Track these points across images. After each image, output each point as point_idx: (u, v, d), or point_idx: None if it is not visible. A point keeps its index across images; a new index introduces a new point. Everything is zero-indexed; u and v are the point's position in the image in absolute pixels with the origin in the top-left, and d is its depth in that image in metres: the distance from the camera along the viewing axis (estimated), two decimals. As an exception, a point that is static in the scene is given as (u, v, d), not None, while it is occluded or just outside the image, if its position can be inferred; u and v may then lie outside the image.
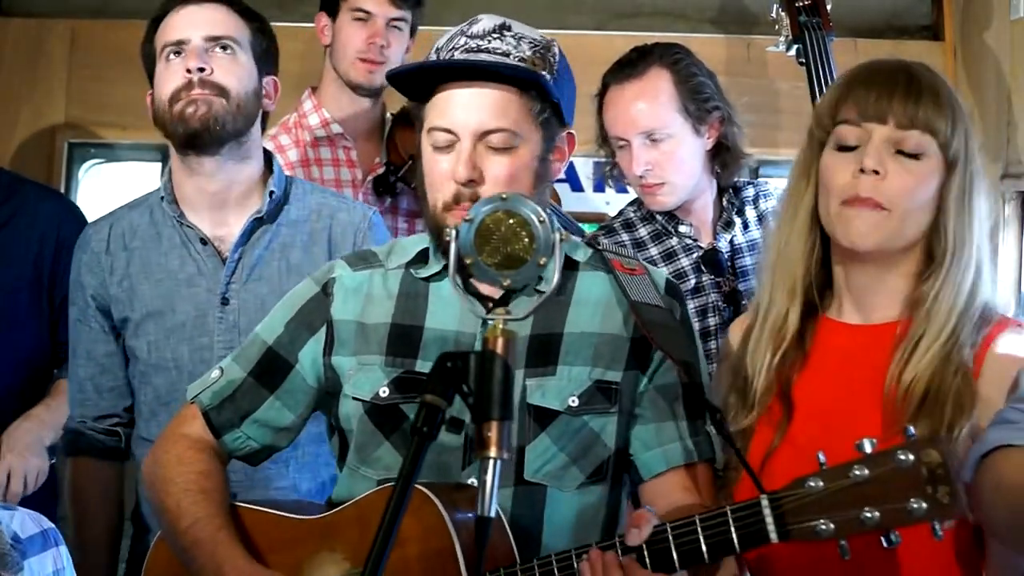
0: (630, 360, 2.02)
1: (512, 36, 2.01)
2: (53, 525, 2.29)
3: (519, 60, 1.98)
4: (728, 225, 2.90)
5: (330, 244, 2.62)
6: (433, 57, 2.02)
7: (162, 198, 2.61)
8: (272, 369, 2.08)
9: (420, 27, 3.34)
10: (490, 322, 1.97)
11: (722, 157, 2.88)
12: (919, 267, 2.02)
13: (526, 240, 1.75)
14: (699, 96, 2.81)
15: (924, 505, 1.61)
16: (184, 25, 2.56)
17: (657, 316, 2.00)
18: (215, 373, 2.11)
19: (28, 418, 2.84)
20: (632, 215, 2.93)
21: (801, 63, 3.16)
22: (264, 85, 2.62)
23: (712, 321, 2.81)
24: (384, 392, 2.01)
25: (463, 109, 1.96)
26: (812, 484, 1.67)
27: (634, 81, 2.81)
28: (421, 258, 2.07)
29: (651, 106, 2.78)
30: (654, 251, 2.86)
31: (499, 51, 1.98)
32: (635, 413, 2.03)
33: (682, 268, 2.84)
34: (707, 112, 2.82)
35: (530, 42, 2.02)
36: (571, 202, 3.77)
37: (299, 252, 2.60)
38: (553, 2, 3.98)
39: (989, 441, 1.82)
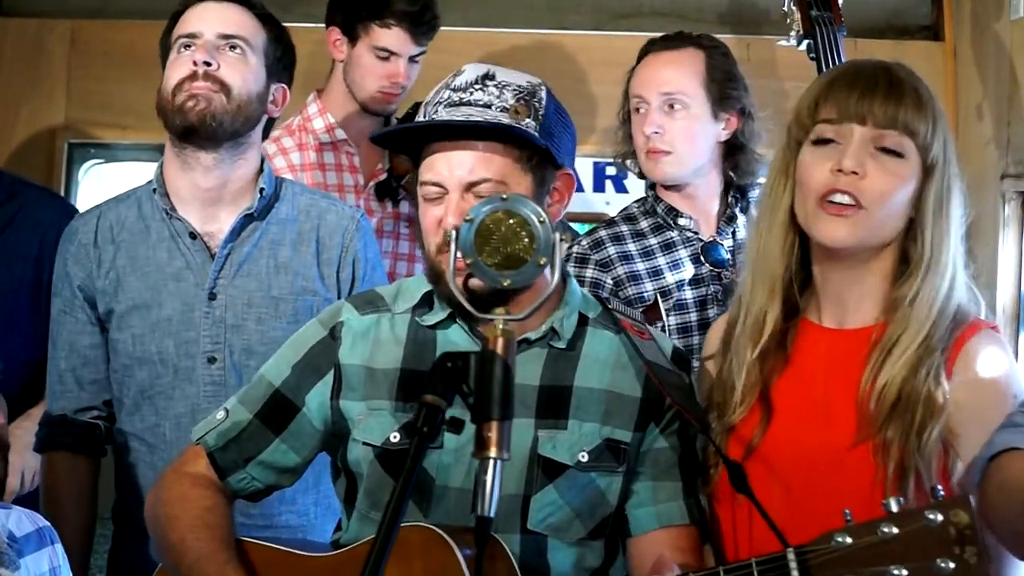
0: (640, 421, 2.03)
1: (495, 85, 2.02)
2: (48, 523, 2.29)
3: (501, 110, 1.99)
4: (731, 220, 2.92)
5: (318, 244, 2.62)
6: (421, 112, 2.05)
7: (154, 190, 2.61)
8: (278, 412, 2.08)
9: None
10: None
11: (735, 158, 2.91)
12: (894, 268, 2.02)
13: (526, 240, 1.75)
14: (725, 84, 2.87)
15: (952, 565, 1.61)
16: (198, 19, 2.58)
17: (670, 377, 2.01)
18: (220, 414, 2.11)
19: (28, 418, 2.85)
20: (635, 209, 2.96)
21: (812, 58, 3.16)
22: (272, 92, 2.64)
23: (711, 312, 2.83)
24: (395, 437, 2.01)
25: (448, 165, 1.99)
26: (840, 540, 1.66)
27: (670, 51, 2.88)
28: (426, 301, 2.08)
29: (678, 72, 2.85)
30: (653, 241, 2.88)
31: (480, 103, 2.00)
32: (635, 470, 2.04)
33: (679, 258, 2.86)
34: (729, 100, 2.86)
35: (514, 90, 2.02)
36: (571, 202, 3.77)
37: (287, 250, 2.61)
38: (553, 2, 3.98)
39: (997, 444, 1.83)
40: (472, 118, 1.98)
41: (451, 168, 1.98)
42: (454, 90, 2.02)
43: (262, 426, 2.08)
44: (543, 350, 2.03)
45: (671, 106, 2.83)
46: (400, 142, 2.13)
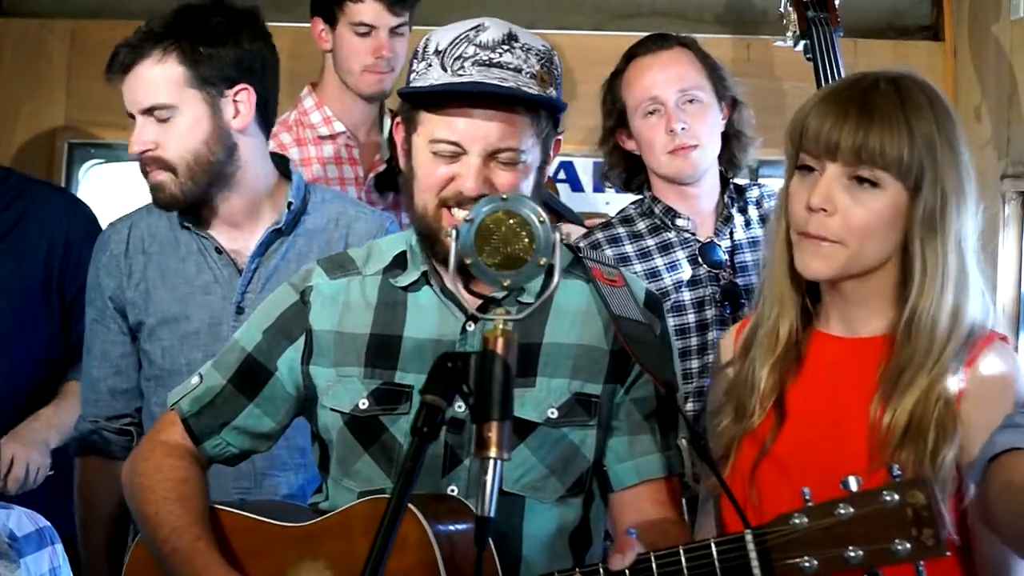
0: (609, 373, 2.03)
1: (521, 48, 1.99)
2: (49, 523, 2.29)
3: (530, 76, 1.97)
4: (727, 220, 2.92)
5: None
6: (435, 61, 1.99)
7: None
8: (251, 376, 2.07)
9: (420, 26, 3.32)
10: (470, 328, 1.98)
11: (730, 146, 2.93)
12: (896, 283, 1.99)
13: (526, 240, 1.75)
14: (718, 74, 2.92)
15: (908, 546, 1.61)
16: (129, 90, 2.52)
17: (638, 331, 2.00)
18: (195, 379, 2.11)
19: (36, 419, 2.86)
20: (632, 211, 2.96)
21: (809, 59, 3.17)
22: (222, 111, 2.53)
23: (709, 313, 2.83)
24: (363, 404, 2.01)
25: (473, 127, 1.96)
26: (797, 521, 1.67)
27: (666, 51, 2.90)
28: (398, 263, 2.07)
29: (688, 68, 2.88)
30: (651, 243, 2.88)
31: (511, 66, 1.97)
32: (611, 425, 2.04)
33: (677, 260, 2.86)
34: (725, 90, 2.91)
35: (537, 54, 2.00)
36: (571, 202, 3.77)
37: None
38: (553, 2, 3.98)
39: (998, 444, 1.82)
40: (506, 83, 1.95)
41: (476, 130, 1.95)
42: (480, 47, 1.97)
43: (235, 391, 2.08)
44: (512, 307, 1.97)
45: (689, 101, 2.85)
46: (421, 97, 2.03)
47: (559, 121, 2.05)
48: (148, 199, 2.68)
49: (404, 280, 2.05)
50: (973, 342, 1.96)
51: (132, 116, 2.53)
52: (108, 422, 2.65)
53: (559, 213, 3.32)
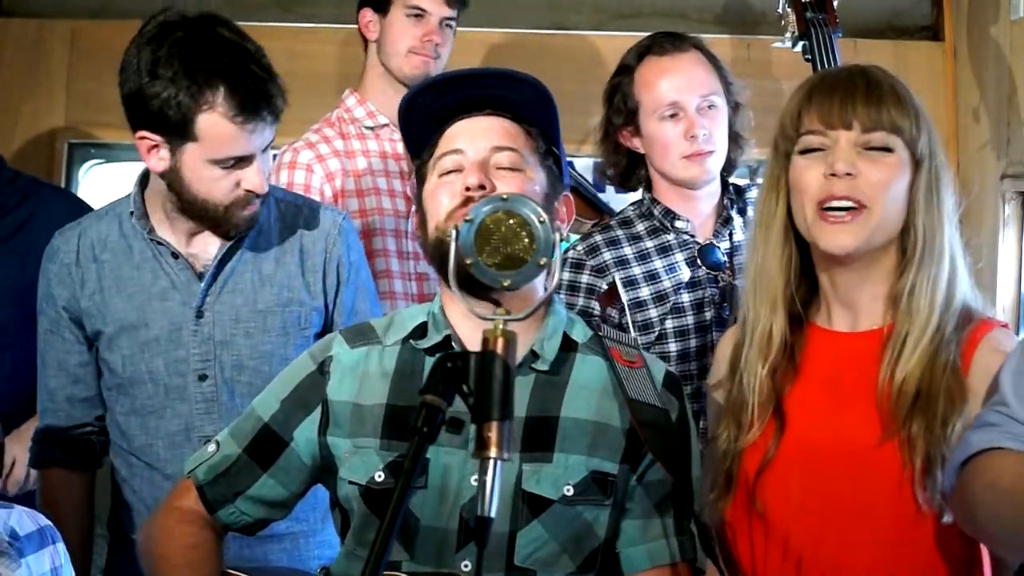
0: (625, 453, 2.01)
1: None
2: (50, 523, 2.29)
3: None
4: (727, 222, 2.91)
5: (301, 253, 2.60)
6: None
7: (131, 212, 2.58)
8: (266, 446, 2.06)
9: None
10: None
11: (728, 150, 2.92)
12: (895, 265, 2.03)
13: (526, 240, 1.75)
14: (725, 76, 2.91)
15: None
16: (247, 142, 2.43)
17: (652, 416, 1.98)
18: (211, 447, 2.10)
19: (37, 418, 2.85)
20: (631, 212, 2.95)
21: (807, 60, 3.16)
22: None
23: (708, 315, 2.82)
24: (379, 476, 1.99)
25: (472, 132, 2.01)
26: None
27: (683, 53, 2.88)
28: (419, 333, 2.06)
29: (707, 73, 2.87)
30: (650, 245, 2.87)
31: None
32: (625, 507, 2.02)
33: (676, 262, 2.85)
34: (730, 93, 2.91)
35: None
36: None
37: (271, 263, 2.58)
38: (553, 2, 3.98)
39: (972, 444, 1.82)
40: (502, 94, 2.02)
41: (475, 134, 2.01)
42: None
43: (250, 461, 2.07)
44: (528, 377, 2.00)
45: (709, 107, 2.85)
46: (416, 140, 2.10)
47: (562, 168, 2.07)
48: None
49: (426, 343, 2.04)
50: (972, 319, 2.01)
51: (238, 159, 2.46)
52: (66, 432, 2.63)
53: (597, 206, 3.33)
